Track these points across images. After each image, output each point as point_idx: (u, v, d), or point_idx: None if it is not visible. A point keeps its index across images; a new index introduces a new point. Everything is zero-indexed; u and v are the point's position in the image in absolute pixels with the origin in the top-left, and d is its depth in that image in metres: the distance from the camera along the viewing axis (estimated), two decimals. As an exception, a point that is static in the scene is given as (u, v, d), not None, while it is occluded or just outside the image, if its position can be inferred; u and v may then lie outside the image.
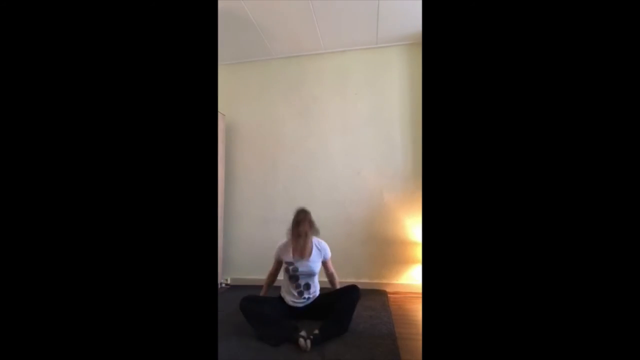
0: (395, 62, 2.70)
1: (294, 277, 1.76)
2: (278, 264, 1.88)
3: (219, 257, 2.60)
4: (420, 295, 2.28)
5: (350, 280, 2.55)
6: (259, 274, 2.72)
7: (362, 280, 2.54)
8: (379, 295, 2.31)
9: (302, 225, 1.75)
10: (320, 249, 1.84)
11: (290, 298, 1.77)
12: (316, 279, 1.83)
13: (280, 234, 2.67)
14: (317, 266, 1.80)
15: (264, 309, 1.64)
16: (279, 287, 1.91)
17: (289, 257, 1.78)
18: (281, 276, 1.89)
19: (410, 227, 2.52)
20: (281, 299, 1.81)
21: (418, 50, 2.64)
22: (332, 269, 1.91)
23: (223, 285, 2.69)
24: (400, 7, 2.22)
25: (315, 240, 1.84)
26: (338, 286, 1.87)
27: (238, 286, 2.64)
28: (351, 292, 1.71)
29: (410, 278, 2.49)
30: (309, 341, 1.42)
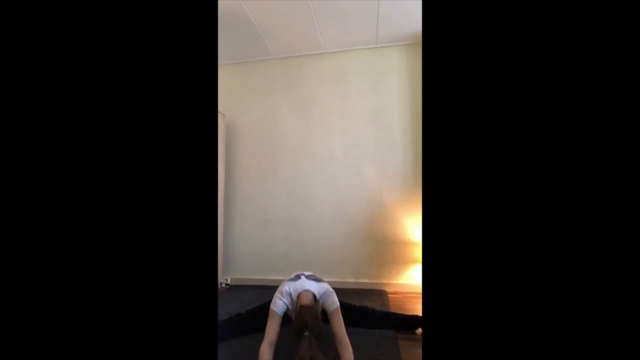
0: (395, 62, 2.70)
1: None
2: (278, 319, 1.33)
3: (219, 257, 2.60)
4: (420, 295, 2.28)
5: (350, 280, 2.57)
6: (259, 274, 2.74)
7: (362, 280, 2.55)
8: (379, 295, 2.31)
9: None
10: (319, 300, 1.35)
11: None
12: None
13: (281, 234, 2.72)
14: None
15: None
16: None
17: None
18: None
19: (410, 227, 2.52)
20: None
21: (418, 50, 2.65)
22: (340, 328, 1.25)
23: (223, 285, 2.69)
24: (400, 7, 2.22)
25: (316, 286, 1.41)
26: None
27: (238, 286, 2.64)
28: None
29: (410, 278, 2.49)
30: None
